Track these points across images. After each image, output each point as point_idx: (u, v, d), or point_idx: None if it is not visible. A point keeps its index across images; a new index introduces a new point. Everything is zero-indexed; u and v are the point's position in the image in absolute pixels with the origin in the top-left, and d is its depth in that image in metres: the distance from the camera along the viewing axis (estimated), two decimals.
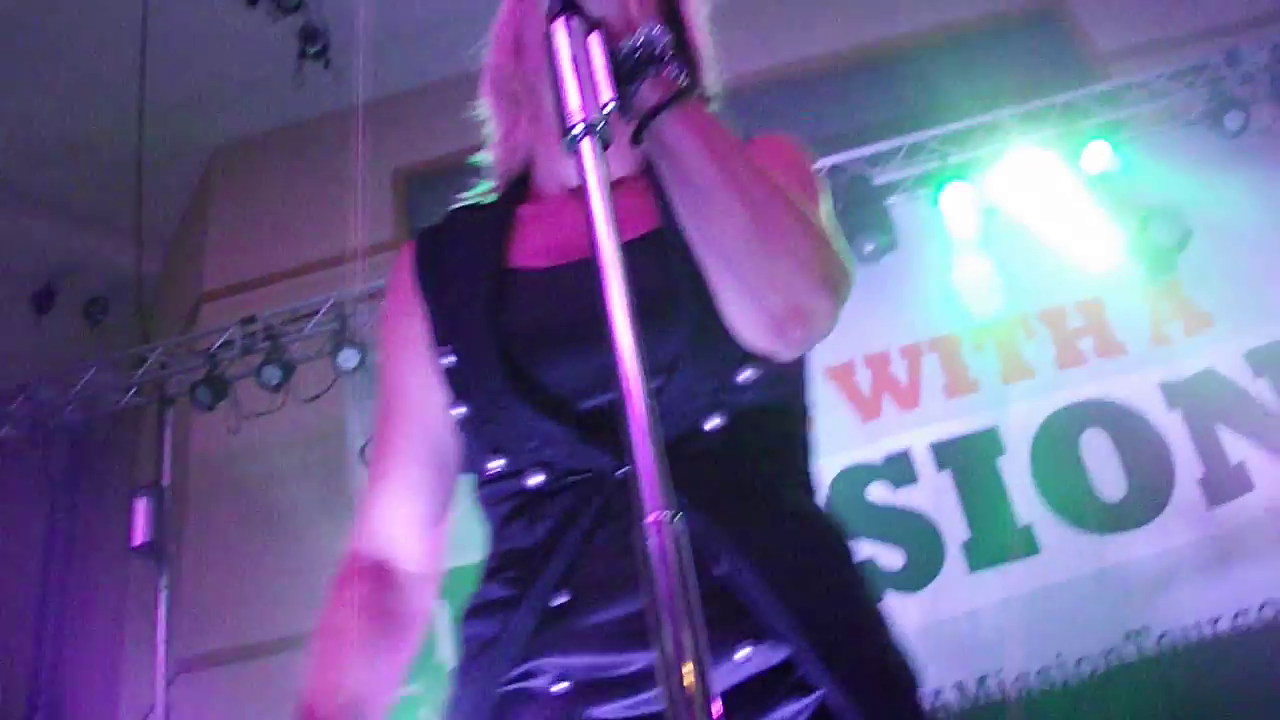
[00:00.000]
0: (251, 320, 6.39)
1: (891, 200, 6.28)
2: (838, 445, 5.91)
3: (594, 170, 1.21)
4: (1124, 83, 6.47)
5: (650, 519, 1.03)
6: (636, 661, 1.45)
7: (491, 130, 1.90)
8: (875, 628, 1.56)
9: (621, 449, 1.48)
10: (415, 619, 1.76)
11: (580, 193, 1.21)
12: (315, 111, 7.75)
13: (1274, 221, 6.23)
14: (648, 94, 1.39)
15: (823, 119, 6.96)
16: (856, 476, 5.92)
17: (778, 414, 1.63)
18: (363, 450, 6.22)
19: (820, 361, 5.96)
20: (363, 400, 6.30)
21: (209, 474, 6.87)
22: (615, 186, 1.62)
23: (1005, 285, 6.17)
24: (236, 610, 6.47)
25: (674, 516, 1.03)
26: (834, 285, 1.43)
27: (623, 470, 1.47)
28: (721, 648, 1.41)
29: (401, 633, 1.74)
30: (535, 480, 1.55)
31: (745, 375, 1.54)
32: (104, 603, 7.61)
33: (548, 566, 1.50)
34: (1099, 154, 6.18)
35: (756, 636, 1.45)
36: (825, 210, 1.66)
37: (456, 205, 1.91)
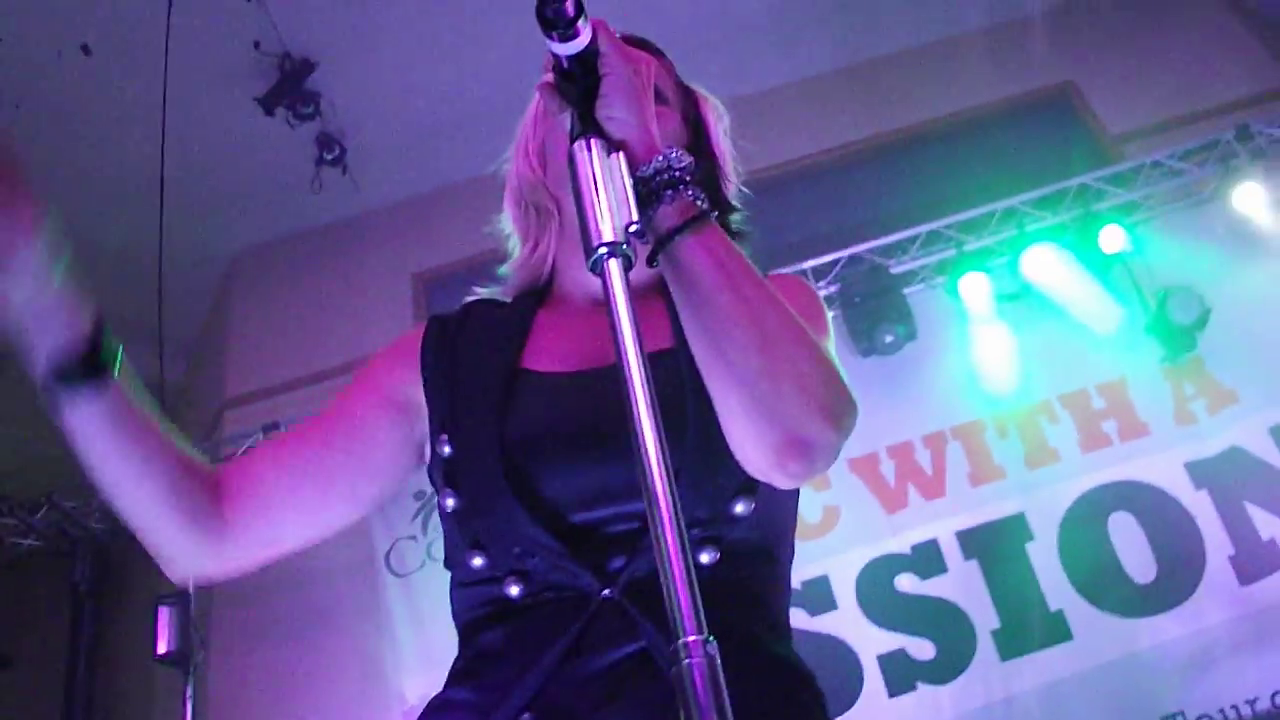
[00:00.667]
0: (274, 426, 6.40)
1: (910, 289, 6.32)
2: (865, 537, 5.91)
3: (620, 291, 1.22)
4: (1136, 163, 6.50)
5: (688, 640, 1.02)
6: None
7: (515, 239, 1.93)
8: None
9: (605, 570, 1.48)
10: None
11: (601, 304, 1.23)
12: (333, 217, 7.82)
13: None
14: (666, 216, 1.40)
15: (838, 210, 7.00)
16: (884, 568, 5.89)
17: (765, 554, 1.61)
18: (388, 555, 6.21)
19: (844, 454, 5.97)
20: (388, 506, 6.30)
21: (233, 581, 6.83)
22: (641, 298, 1.64)
23: (1026, 370, 6.17)
24: (263, 716, 6.43)
25: (707, 640, 1.03)
26: (838, 418, 1.42)
27: (607, 592, 1.47)
28: None
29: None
30: (514, 590, 1.53)
31: (740, 508, 1.53)
32: (130, 712, 7.56)
33: (519, 685, 1.48)
34: (1114, 235, 6.19)
35: None
36: (831, 348, 1.64)
37: (475, 299, 1.92)
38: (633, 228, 1.29)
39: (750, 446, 1.43)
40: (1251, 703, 5.39)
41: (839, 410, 1.42)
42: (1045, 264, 6.19)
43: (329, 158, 7.10)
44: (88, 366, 1.51)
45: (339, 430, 1.77)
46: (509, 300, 1.90)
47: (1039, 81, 7.69)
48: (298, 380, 7.24)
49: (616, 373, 1.18)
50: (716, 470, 1.49)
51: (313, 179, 7.22)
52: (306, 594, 6.38)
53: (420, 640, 6.04)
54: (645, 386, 1.16)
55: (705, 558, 1.50)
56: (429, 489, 5.87)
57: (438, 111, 7.24)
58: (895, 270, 6.27)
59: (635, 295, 1.32)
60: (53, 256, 1.46)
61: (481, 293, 1.94)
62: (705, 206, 1.43)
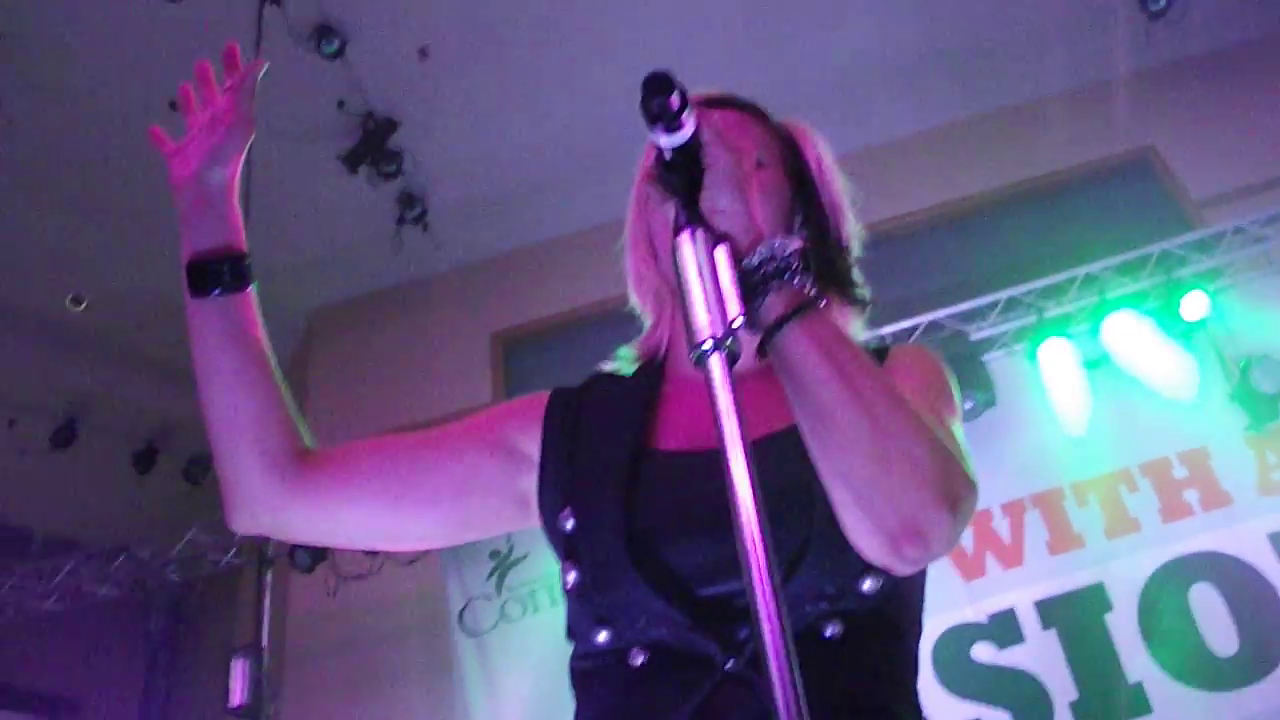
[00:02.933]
0: None
1: (989, 355, 6.28)
2: (942, 605, 5.84)
3: (721, 386, 1.23)
4: (1218, 230, 6.41)
5: None
6: None
7: (644, 321, 1.96)
8: None
9: (731, 641, 1.47)
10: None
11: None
12: (413, 275, 7.90)
13: None
14: (771, 307, 1.41)
15: (919, 276, 6.97)
16: (961, 637, 5.81)
17: (894, 628, 1.61)
18: (461, 614, 6.23)
19: None
20: (462, 564, 6.33)
21: (307, 635, 6.89)
22: (751, 381, 1.64)
23: (1107, 438, 6.10)
24: None
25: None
26: (954, 503, 1.40)
27: (731, 663, 1.47)
28: None
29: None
30: (639, 659, 1.53)
31: (867, 584, 1.51)
32: None
33: None
34: (1197, 302, 6.12)
35: None
36: (955, 421, 1.65)
37: (596, 372, 1.94)
38: (736, 323, 1.29)
39: (864, 536, 1.42)
40: None
41: (954, 495, 1.40)
42: (1126, 331, 6.14)
43: (410, 216, 7.18)
44: (232, 271, 1.78)
45: (448, 446, 1.82)
46: (628, 376, 1.92)
47: (1120, 146, 7.64)
48: (374, 436, 7.29)
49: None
50: (845, 547, 1.46)
51: (393, 237, 7.30)
52: (380, 651, 6.42)
53: (492, 700, 6.05)
54: (747, 479, 1.17)
55: (830, 630, 1.50)
56: (504, 548, 5.92)
57: (519, 172, 7.31)
58: (975, 337, 6.23)
59: (760, 374, 1.33)
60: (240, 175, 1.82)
61: (604, 367, 1.96)
62: (812, 294, 1.43)
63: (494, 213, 7.51)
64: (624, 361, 1.95)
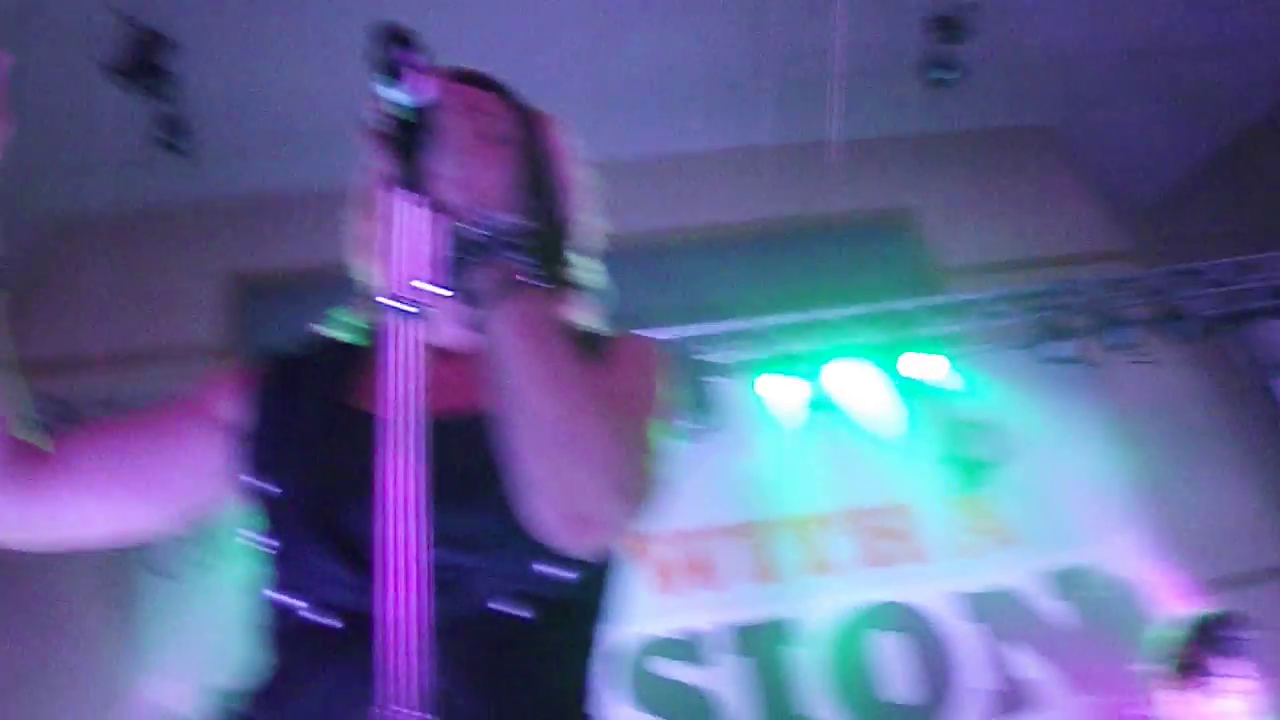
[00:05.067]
0: (61, 403, 6.18)
1: (716, 381, 6.29)
2: (637, 616, 5.86)
3: (399, 346, 1.24)
4: (960, 299, 6.65)
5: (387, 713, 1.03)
6: None
7: (361, 284, 1.89)
8: None
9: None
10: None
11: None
12: (164, 202, 7.62)
13: (1085, 450, 6.46)
14: (481, 281, 1.40)
15: (659, 291, 6.99)
16: (649, 649, 5.90)
17: (572, 614, 1.60)
18: (146, 552, 6.03)
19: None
20: None
21: None
22: (466, 356, 1.61)
23: (817, 479, 6.27)
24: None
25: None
26: (628, 496, 1.42)
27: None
28: None
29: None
30: (323, 623, 1.51)
31: (547, 568, 1.52)
32: None
33: (320, 713, 1.46)
34: (926, 364, 6.35)
35: None
36: (656, 420, 1.65)
37: (314, 334, 1.90)
38: (428, 287, 1.30)
39: (538, 519, 1.42)
40: None
41: (629, 489, 1.42)
42: (851, 379, 6.33)
43: (170, 140, 6.91)
44: None
45: (161, 431, 1.76)
46: (345, 340, 1.87)
47: (881, 202, 7.87)
48: (94, 357, 7.00)
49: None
50: (524, 532, 1.46)
51: (150, 158, 7.03)
52: (53, 584, 6.16)
53: (169, 642, 5.88)
54: (404, 445, 1.19)
55: (504, 610, 1.50)
56: None
57: (287, 115, 7.09)
58: (704, 358, 6.27)
59: (477, 350, 1.33)
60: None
61: (320, 330, 1.91)
62: (524, 274, 1.43)
63: (255, 153, 7.28)
64: (340, 325, 1.90)
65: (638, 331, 1.84)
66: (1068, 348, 6.48)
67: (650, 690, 5.79)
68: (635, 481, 1.45)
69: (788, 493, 6.26)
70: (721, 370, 6.33)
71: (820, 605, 6.10)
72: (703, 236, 7.65)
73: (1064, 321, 6.59)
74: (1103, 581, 6.28)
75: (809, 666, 5.95)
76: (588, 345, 1.64)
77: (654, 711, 5.74)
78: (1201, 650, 2.79)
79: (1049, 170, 8.11)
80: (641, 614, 5.91)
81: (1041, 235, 7.64)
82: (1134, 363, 6.57)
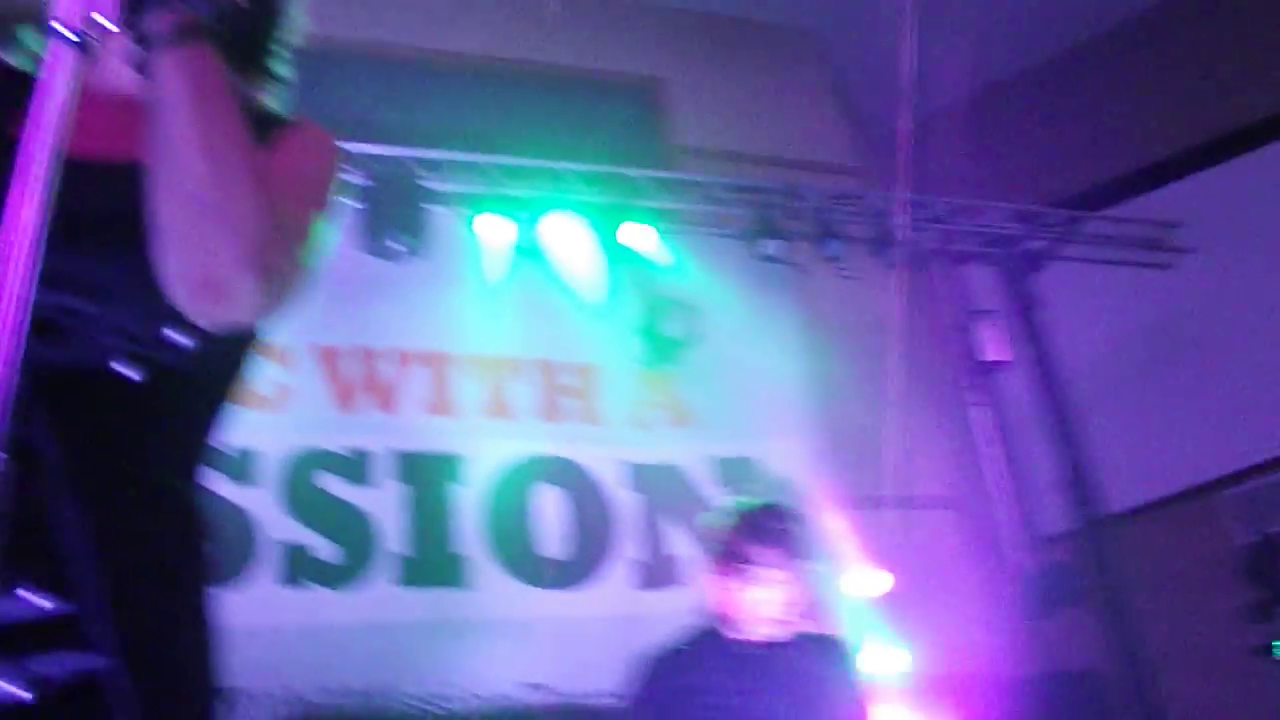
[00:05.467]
0: None
1: (434, 208, 6.18)
2: (307, 426, 5.81)
3: (53, 76, 1.16)
4: (687, 178, 6.75)
5: None
6: None
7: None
8: (191, 625, 1.52)
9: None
10: None
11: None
12: None
13: (775, 350, 6.66)
14: (155, 22, 1.35)
15: (391, 106, 6.83)
16: (315, 461, 5.80)
17: (188, 386, 1.56)
18: None
19: (312, 339, 5.88)
20: None
21: None
22: (128, 103, 1.54)
23: (513, 325, 6.30)
24: None
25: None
26: (265, 273, 1.39)
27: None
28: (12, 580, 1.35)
29: None
30: None
31: (173, 333, 1.47)
32: None
33: None
34: (640, 235, 6.40)
35: (57, 587, 1.38)
36: (320, 213, 1.62)
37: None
38: (99, 18, 1.21)
39: (171, 280, 1.39)
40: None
41: (268, 266, 1.39)
42: (564, 234, 6.32)
43: None
44: None
45: None
46: (24, 68, 1.71)
47: (632, 67, 7.87)
48: None
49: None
50: (154, 290, 1.41)
51: None
52: None
53: None
54: (32, 175, 1.11)
55: (122, 369, 1.45)
56: None
57: None
58: (428, 184, 6.13)
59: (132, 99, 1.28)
60: None
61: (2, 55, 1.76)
62: (203, 27, 1.38)
63: None
64: (22, 50, 1.77)
65: (376, 144, 1.79)
66: (780, 248, 6.59)
67: (308, 502, 5.70)
68: (278, 264, 1.42)
69: (480, 332, 6.25)
70: (439, 199, 6.23)
71: (491, 448, 6.14)
72: (451, 64, 7.45)
73: (782, 223, 6.70)
74: (764, 476, 6.49)
75: (469, 506, 5.99)
76: (262, 124, 1.60)
77: (309, 524, 5.65)
78: (742, 539, 2.88)
79: (803, 74, 8.19)
80: (314, 426, 5.88)
81: (781, 136, 7.78)
82: (840, 276, 6.75)
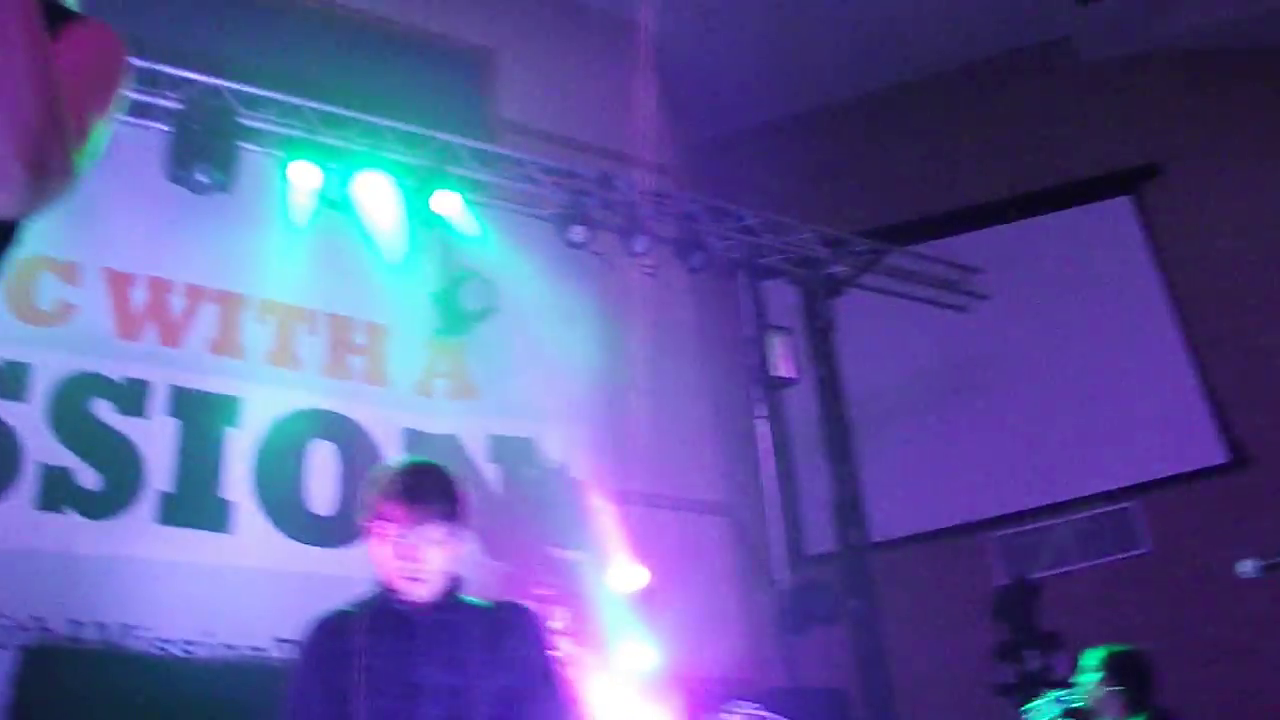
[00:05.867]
0: None
1: (246, 146, 6.05)
2: (86, 348, 5.60)
3: None
4: (507, 153, 6.74)
5: None
6: None
7: None
8: None
9: None
10: None
11: None
12: None
13: (568, 336, 6.69)
14: None
15: (220, 36, 6.69)
16: (89, 386, 5.61)
17: None
18: None
19: (104, 264, 5.71)
20: None
21: None
22: None
23: (313, 274, 6.20)
24: None
25: None
26: (38, 170, 1.34)
27: None
28: None
29: None
30: None
31: None
32: None
33: None
34: (451, 203, 6.38)
35: None
36: (93, 111, 1.57)
37: None
38: None
39: None
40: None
41: (41, 160, 1.34)
42: (375, 191, 6.27)
43: None
44: None
45: None
46: None
47: (469, 35, 7.84)
48: None
49: None
50: None
51: None
52: None
53: None
54: None
55: None
56: None
57: None
58: (244, 121, 6.01)
59: None
60: None
61: None
62: None
63: None
64: None
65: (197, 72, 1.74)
66: (588, 236, 6.63)
67: (77, 426, 5.51)
68: (46, 157, 1.36)
69: (276, 277, 6.13)
70: (254, 137, 6.12)
71: (271, 395, 6.04)
72: (284, 2, 7.35)
73: (594, 211, 6.76)
74: (540, 459, 6.53)
75: (241, 451, 5.86)
76: (50, 14, 1.49)
77: (74, 449, 5.45)
78: (385, 497, 2.82)
79: (634, 68, 8.20)
80: (94, 349, 5.69)
81: (604, 124, 7.79)
82: (644, 273, 6.83)
